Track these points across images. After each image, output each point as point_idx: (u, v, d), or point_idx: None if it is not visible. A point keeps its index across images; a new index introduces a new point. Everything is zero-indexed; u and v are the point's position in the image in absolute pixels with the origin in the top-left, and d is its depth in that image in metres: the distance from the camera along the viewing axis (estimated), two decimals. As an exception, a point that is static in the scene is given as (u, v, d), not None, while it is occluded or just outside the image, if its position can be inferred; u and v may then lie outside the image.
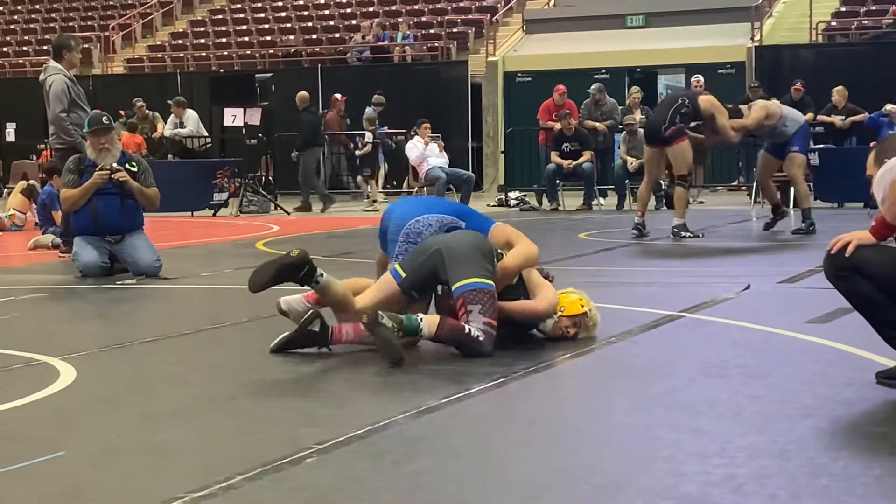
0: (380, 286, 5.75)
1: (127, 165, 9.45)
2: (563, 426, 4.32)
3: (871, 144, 16.22)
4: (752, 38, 23.90)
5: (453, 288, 5.50)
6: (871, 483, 3.47)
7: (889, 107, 17.84)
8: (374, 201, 20.00)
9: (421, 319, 5.42)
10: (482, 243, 5.70)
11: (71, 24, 31.19)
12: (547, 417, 4.46)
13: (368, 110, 22.00)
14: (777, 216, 12.82)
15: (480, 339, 5.42)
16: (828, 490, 3.40)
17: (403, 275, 5.66)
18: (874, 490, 3.41)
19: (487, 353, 5.42)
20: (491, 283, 5.54)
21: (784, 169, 12.79)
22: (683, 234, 12.07)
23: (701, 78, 19.39)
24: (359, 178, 21.50)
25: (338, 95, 22.24)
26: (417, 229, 5.86)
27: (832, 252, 4.68)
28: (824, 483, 3.46)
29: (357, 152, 21.36)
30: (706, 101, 12.28)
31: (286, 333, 5.64)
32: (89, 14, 32.18)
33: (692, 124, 12.14)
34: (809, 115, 17.13)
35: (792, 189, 13.88)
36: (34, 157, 15.07)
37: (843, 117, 18.61)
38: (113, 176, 9.27)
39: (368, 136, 20.82)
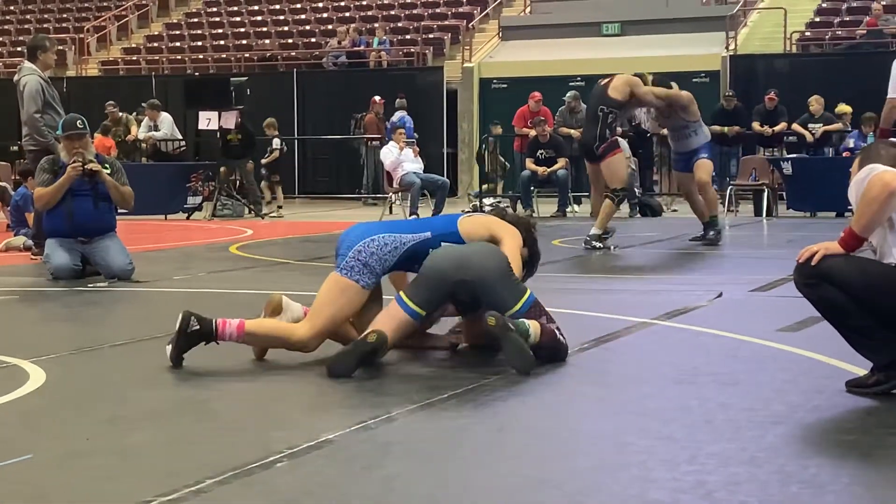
0: (394, 326, 5.44)
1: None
2: (534, 432, 4.32)
3: (845, 154, 16.38)
4: (726, 48, 23.98)
5: (508, 315, 5.42)
6: (841, 490, 3.49)
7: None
8: (262, 208, 19.12)
9: (529, 325, 5.37)
10: (497, 254, 5.59)
11: (46, 25, 31.03)
12: (518, 424, 4.46)
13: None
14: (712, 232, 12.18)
15: (564, 342, 5.54)
16: (798, 497, 3.42)
17: (423, 313, 5.48)
18: (844, 497, 3.43)
19: (566, 356, 5.56)
20: (532, 293, 5.55)
21: (695, 180, 12.14)
22: (595, 243, 11.57)
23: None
24: (263, 184, 20.44)
25: (377, 98, 21.99)
26: (371, 249, 5.61)
27: (800, 262, 4.72)
28: (794, 490, 3.47)
29: (263, 160, 20.41)
30: (616, 88, 11.84)
31: (170, 347, 5.44)
32: (64, 15, 32.04)
33: (634, 122, 12.06)
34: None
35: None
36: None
37: (821, 124, 18.68)
38: (86, 167, 9.19)
39: (276, 143, 20.51)
